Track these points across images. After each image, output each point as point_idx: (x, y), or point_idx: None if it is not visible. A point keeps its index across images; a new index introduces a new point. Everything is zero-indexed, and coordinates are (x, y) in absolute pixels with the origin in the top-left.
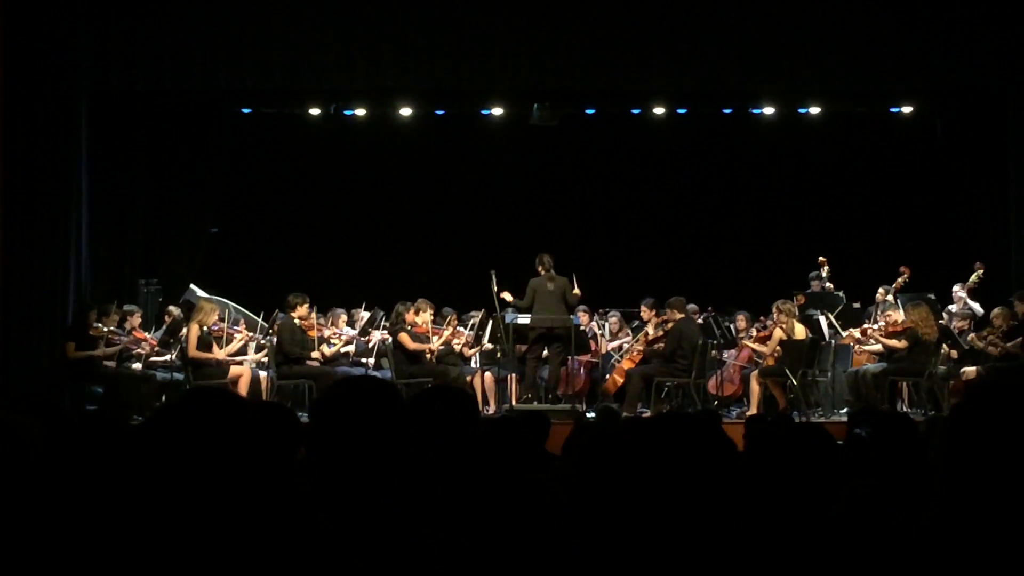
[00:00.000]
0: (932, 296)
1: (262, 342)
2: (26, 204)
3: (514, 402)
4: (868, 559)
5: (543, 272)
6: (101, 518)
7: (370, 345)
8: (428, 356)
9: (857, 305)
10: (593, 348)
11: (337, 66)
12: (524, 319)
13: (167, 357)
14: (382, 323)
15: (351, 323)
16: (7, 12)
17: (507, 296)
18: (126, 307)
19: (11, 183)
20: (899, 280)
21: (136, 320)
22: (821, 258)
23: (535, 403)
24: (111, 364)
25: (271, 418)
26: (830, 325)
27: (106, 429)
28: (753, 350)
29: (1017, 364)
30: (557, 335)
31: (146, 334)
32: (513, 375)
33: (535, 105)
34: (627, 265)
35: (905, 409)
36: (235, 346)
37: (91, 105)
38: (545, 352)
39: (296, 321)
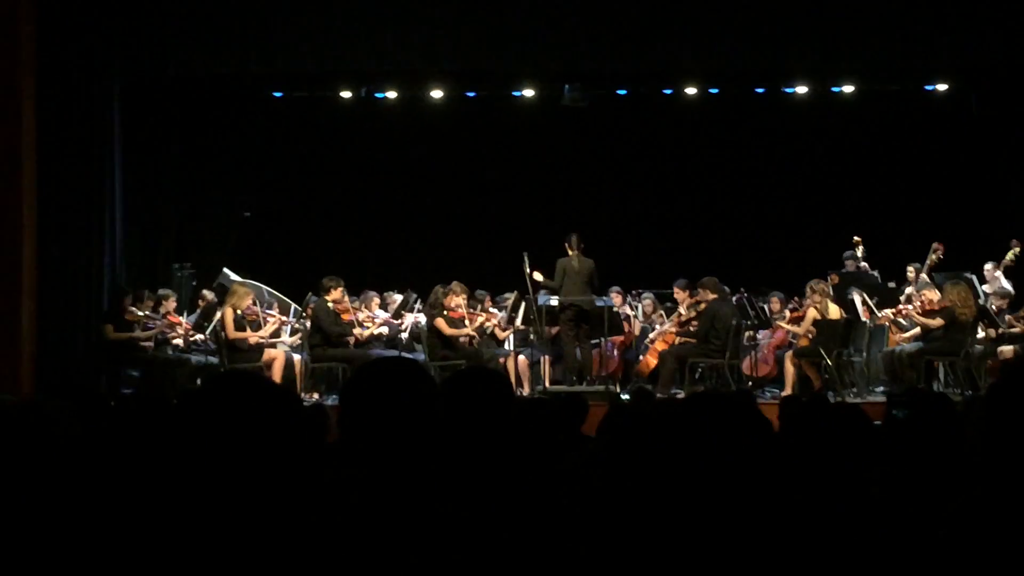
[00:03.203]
0: (971, 275)
1: (295, 326)
2: (60, 190)
3: (547, 384)
4: (906, 540)
5: (571, 252)
6: (135, 501)
7: (403, 327)
8: (464, 341)
9: (892, 284)
10: (626, 330)
11: (368, 49)
12: (556, 301)
13: (198, 337)
14: (415, 306)
15: (384, 306)
16: (40, 0)
17: (538, 276)
18: (160, 291)
19: (46, 170)
20: (932, 257)
21: (171, 304)
22: (856, 237)
23: (574, 384)
24: (148, 345)
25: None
26: (864, 304)
27: (143, 413)
28: (787, 331)
29: None
30: (585, 315)
31: (180, 318)
32: (546, 357)
33: (566, 86)
34: (660, 246)
35: (941, 389)
36: (269, 329)
37: (124, 91)
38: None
39: (330, 304)
